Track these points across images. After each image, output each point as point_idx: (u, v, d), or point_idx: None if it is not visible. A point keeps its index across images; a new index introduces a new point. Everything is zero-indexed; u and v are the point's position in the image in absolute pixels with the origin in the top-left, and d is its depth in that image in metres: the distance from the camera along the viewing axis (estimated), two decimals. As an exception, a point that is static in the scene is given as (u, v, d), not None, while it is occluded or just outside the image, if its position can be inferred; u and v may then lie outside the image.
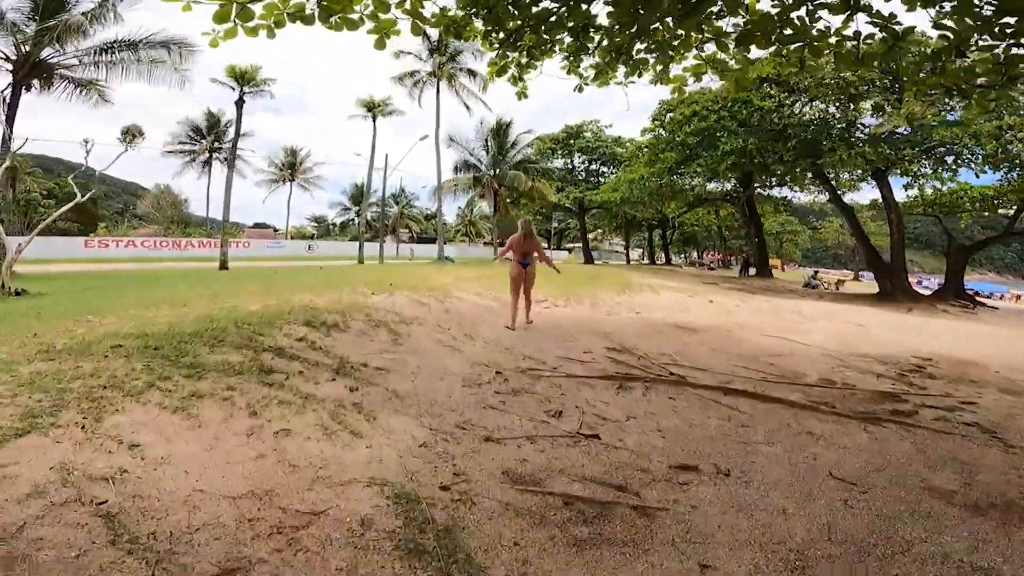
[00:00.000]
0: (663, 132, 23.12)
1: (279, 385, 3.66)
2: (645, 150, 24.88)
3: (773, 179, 23.14)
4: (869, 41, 3.41)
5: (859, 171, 20.96)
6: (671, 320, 8.79)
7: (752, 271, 31.38)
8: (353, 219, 58.20)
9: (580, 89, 4.91)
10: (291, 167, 48.72)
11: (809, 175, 21.75)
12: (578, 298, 9.78)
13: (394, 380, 4.28)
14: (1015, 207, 22.06)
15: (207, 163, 40.30)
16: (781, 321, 10.26)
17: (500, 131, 31.12)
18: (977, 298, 24.07)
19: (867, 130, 19.29)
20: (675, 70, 4.49)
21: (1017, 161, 15.08)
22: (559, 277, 9.03)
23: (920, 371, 6.48)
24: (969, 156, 17.56)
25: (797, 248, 66.26)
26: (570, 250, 69.69)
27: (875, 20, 3.22)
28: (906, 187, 21.87)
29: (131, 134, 20.26)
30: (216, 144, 41.43)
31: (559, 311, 8.78)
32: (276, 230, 56.51)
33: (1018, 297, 35.81)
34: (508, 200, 31.72)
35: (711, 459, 3.28)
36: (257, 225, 69.65)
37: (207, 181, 40.40)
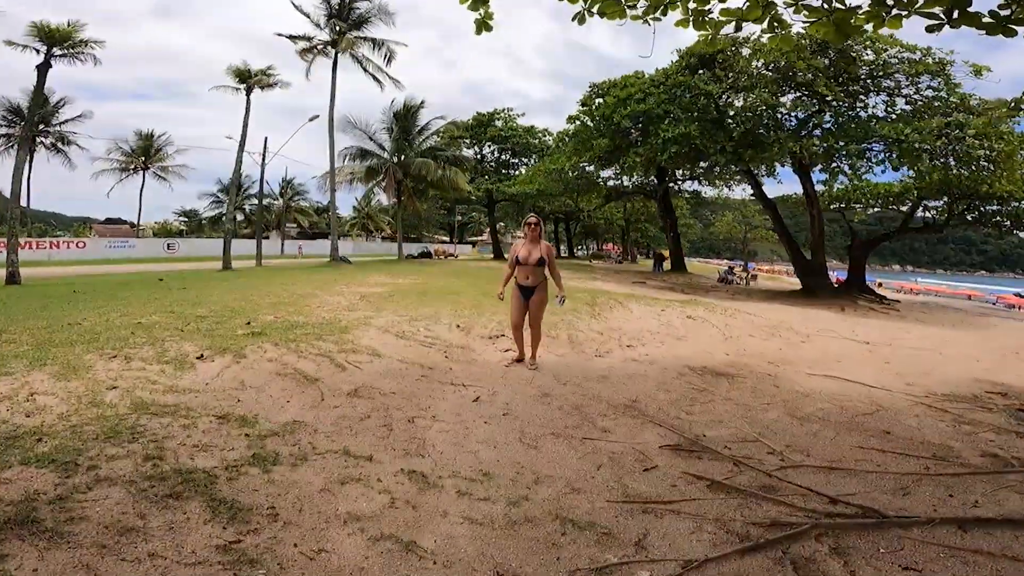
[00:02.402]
0: (589, 121, 20.97)
1: None
2: (569, 139, 22.64)
3: (695, 170, 22.08)
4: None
5: (786, 165, 20.40)
6: (683, 359, 6.26)
7: (666, 266, 30.88)
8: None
9: (581, 20, 3.43)
10: (144, 154, 40.34)
11: (734, 168, 20.94)
12: (547, 325, 6.91)
13: None
14: (910, 204, 23.11)
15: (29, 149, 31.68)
16: (785, 342, 8.24)
17: (408, 114, 27.21)
18: (878, 291, 25.20)
19: (794, 123, 18.55)
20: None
21: (965, 158, 14.75)
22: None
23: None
24: (888, 153, 17.39)
25: (687, 240, 69.36)
26: (473, 244, 67.12)
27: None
28: (822, 183, 21.99)
29: None
30: (42, 127, 32.94)
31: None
32: (135, 226, 47.03)
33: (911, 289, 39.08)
34: (413, 189, 27.96)
35: None
36: (109, 221, 58.19)
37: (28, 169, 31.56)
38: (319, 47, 23.53)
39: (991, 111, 15.35)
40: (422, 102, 27.23)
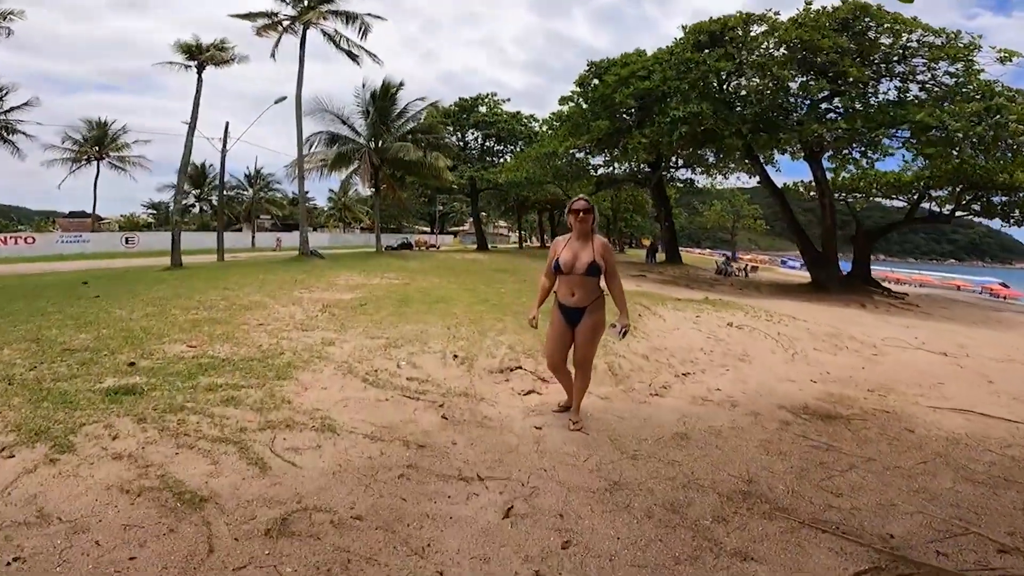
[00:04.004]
0: (584, 103, 19.18)
1: None
2: (559, 124, 20.82)
3: (697, 156, 20.46)
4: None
5: (795, 152, 18.95)
6: (768, 394, 4.58)
7: (660, 256, 29.58)
8: (194, 204, 47.31)
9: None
10: (98, 143, 37.11)
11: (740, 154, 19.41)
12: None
13: None
14: (917, 194, 21.98)
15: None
16: (859, 357, 6.65)
17: (386, 95, 24.87)
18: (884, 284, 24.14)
19: (806, 106, 16.99)
20: None
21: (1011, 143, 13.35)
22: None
23: None
24: (912, 140, 16.01)
25: (672, 229, 68.36)
26: (455, 234, 65.14)
27: None
28: (831, 171, 20.64)
29: None
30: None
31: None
32: (101, 219, 43.60)
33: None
34: (392, 177, 25.77)
35: None
36: (73, 215, 54.32)
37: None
38: (284, 23, 21.08)
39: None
40: (401, 83, 24.95)
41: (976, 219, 21.48)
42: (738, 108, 15.28)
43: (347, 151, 24.64)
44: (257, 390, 3.53)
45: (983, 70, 14.30)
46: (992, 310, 19.81)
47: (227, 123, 22.22)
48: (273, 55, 21.00)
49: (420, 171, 25.11)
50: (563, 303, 3.38)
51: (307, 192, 26.00)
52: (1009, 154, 15.21)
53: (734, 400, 4.35)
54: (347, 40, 21.53)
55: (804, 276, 29.56)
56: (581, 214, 3.28)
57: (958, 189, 20.17)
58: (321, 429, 3.05)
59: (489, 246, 38.22)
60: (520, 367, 4.47)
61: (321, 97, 23.79)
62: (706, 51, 15.64)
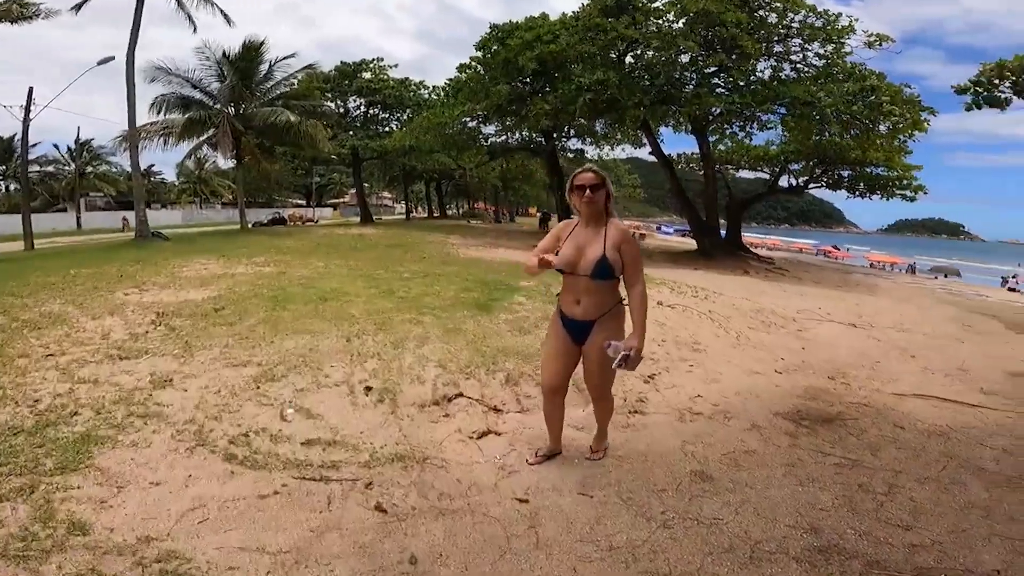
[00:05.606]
0: (482, 69, 17.88)
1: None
2: (456, 91, 19.32)
3: (594, 124, 20.28)
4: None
5: (682, 125, 19.44)
6: (752, 398, 3.95)
7: (552, 223, 29.72)
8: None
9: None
10: None
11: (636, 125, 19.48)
12: (517, 352, 4.06)
13: None
14: (779, 167, 24.07)
15: None
16: (794, 336, 6.46)
17: (248, 54, 21.23)
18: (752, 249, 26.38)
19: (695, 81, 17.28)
20: None
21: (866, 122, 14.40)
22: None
23: None
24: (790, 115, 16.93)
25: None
26: (335, 207, 60.50)
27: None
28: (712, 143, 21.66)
29: None
30: None
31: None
32: None
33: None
34: (259, 146, 22.30)
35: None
36: None
37: None
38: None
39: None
40: (264, 40, 21.42)
41: (830, 191, 23.81)
42: (640, 78, 15.00)
43: (200, 117, 20.83)
44: (17, 504, 1.98)
45: (851, 52, 15.43)
46: (842, 272, 22.46)
47: (31, 88, 17.54)
48: (77, 8, 16.52)
49: (293, 140, 22.08)
50: (565, 314, 2.41)
51: (152, 165, 21.65)
52: (857, 132, 16.68)
53: (721, 408, 3.63)
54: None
55: (684, 243, 31.62)
56: (588, 191, 2.28)
57: (812, 163, 22.35)
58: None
59: (374, 218, 35.54)
60: (461, 394, 3.30)
61: (162, 60, 19.72)
62: (611, 19, 15.08)
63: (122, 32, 16.67)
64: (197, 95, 21.37)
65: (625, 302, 2.41)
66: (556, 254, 2.33)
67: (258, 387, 3.16)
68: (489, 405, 3.24)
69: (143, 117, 20.16)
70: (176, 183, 52.91)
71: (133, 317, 4.63)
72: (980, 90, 9.63)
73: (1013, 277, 30.51)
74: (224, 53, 20.85)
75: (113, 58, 17.40)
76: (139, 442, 2.53)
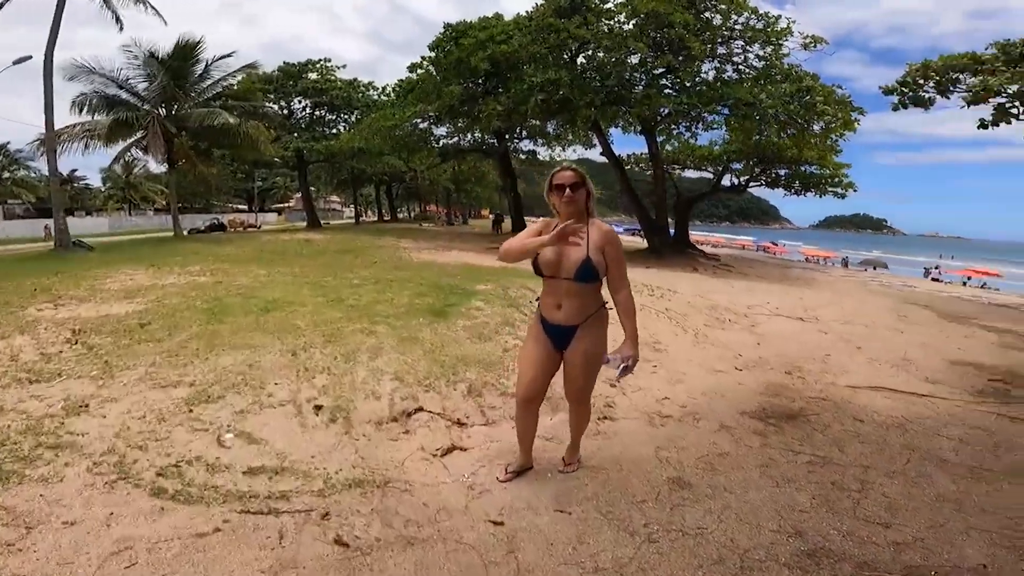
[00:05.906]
0: (434, 70, 17.56)
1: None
2: (406, 92, 18.90)
3: (546, 126, 20.35)
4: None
5: (630, 126, 19.77)
6: (718, 397, 3.93)
7: (505, 225, 29.80)
8: None
9: None
10: None
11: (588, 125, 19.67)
12: (473, 359, 3.87)
13: None
14: (722, 167, 25.02)
15: None
16: (748, 332, 6.59)
17: (183, 53, 19.98)
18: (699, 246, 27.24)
19: (644, 82, 17.65)
20: None
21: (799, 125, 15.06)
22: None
23: None
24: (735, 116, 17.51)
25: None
26: (279, 211, 58.24)
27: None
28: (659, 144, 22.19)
29: None
30: None
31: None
32: None
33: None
34: (194, 149, 21.00)
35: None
36: None
37: None
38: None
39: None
40: (200, 39, 20.22)
41: (768, 189, 24.91)
42: (592, 79, 15.10)
43: (127, 118, 19.43)
44: None
45: (788, 54, 16.13)
46: (782, 267, 23.53)
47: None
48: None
49: (232, 142, 20.99)
50: (546, 318, 2.27)
51: (75, 170, 19.94)
52: (794, 131, 17.50)
53: (689, 410, 3.57)
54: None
55: (635, 241, 32.25)
56: (568, 190, 2.16)
57: (752, 162, 23.32)
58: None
59: (322, 223, 34.36)
60: (421, 408, 3.07)
61: (85, 59, 18.30)
62: (564, 19, 15.10)
63: (41, 31, 15.34)
64: (123, 95, 20.00)
65: (608, 305, 2.29)
66: (535, 260, 2.21)
67: (190, 410, 2.82)
68: (452, 419, 3.03)
69: (65, 118, 18.76)
70: (103, 189, 49.29)
71: (46, 335, 4.10)
72: (906, 90, 10.33)
73: (936, 268, 33.27)
74: (151, 52, 19.57)
75: (30, 57, 16.07)
76: (49, 476, 2.19)
